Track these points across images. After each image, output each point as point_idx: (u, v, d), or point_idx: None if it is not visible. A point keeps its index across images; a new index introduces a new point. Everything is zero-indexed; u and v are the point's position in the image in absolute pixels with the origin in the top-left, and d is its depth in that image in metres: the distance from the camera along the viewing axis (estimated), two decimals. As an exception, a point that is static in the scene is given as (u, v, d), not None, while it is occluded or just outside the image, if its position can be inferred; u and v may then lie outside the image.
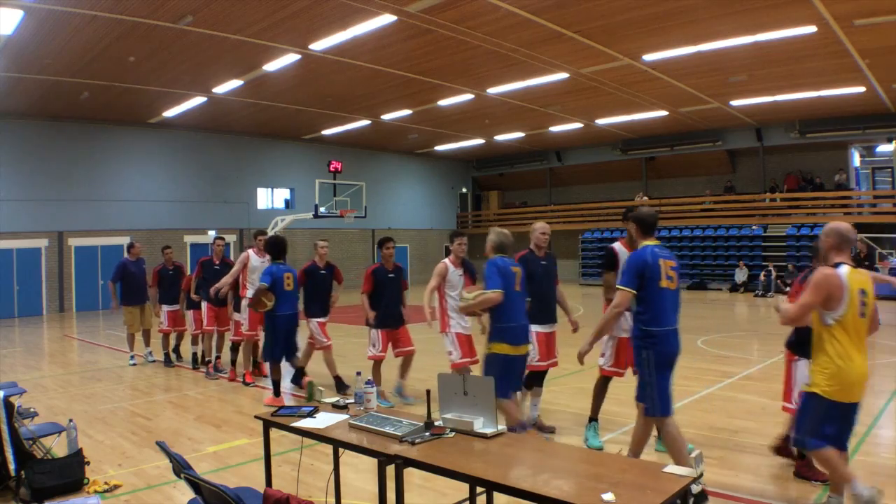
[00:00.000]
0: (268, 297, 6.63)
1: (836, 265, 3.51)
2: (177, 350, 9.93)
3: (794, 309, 3.55)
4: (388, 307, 6.88)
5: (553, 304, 5.82)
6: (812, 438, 3.53)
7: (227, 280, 7.98)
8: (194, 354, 9.47)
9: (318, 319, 7.50)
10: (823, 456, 3.53)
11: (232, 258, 9.54)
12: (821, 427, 3.50)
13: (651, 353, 4.05)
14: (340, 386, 7.31)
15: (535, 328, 5.44)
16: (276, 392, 6.88)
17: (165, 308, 9.57)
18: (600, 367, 5.31)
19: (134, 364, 9.61)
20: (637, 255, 4.11)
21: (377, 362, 6.89)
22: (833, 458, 3.49)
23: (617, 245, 5.32)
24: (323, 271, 7.54)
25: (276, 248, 6.98)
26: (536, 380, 5.78)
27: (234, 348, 8.48)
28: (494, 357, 4.66)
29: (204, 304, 8.71)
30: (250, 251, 8.12)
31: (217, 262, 8.82)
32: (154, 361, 9.78)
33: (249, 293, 7.64)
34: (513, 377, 4.76)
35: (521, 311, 4.80)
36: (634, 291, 4.04)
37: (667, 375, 4.08)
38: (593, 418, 5.35)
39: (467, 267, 6.33)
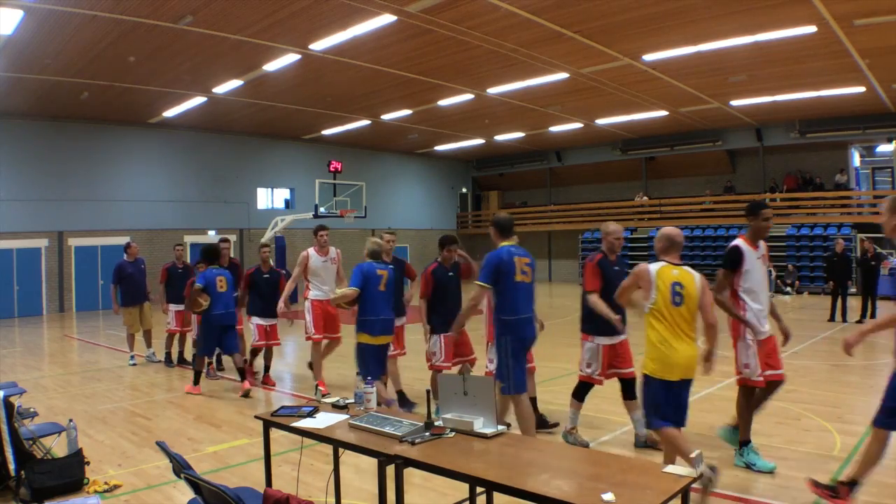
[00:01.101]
0: (203, 298, 7.43)
1: (656, 261, 4.15)
2: (181, 357, 9.63)
3: (620, 289, 4.35)
4: (452, 310, 5.97)
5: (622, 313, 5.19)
6: (654, 419, 4.00)
7: (290, 287, 7.65)
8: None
9: (175, 307, 9.14)
10: (665, 434, 3.95)
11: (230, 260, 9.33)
12: (659, 407, 3.97)
13: (508, 339, 4.70)
14: (404, 401, 6.66)
15: (600, 340, 5.27)
16: (196, 381, 7.70)
17: (173, 307, 9.38)
18: (746, 379, 4.65)
19: (134, 364, 9.61)
20: (494, 255, 4.74)
21: (437, 372, 5.99)
22: (674, 435, 3.92)
23: (739, 242, 4.71)
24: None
25: (210, 254, 7.95)
26: (627, 391, 5.28)
27: (255, 352, 8.31)
28: (358, 346, 5.61)
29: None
30: (310, 250, 7.59)
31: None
32: (158, 361, 9.74)
33: (313, 294, 7.47)
34: (377, 362, 5.63)
35: (382, 307, 5.66)
36: (490, 286, 4.69)
37: (521, 358, 4.76)
38: (745, 441, 4.70)
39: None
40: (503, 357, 4.73)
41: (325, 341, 7.54)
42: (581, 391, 5.35)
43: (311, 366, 7.63)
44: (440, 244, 6.27)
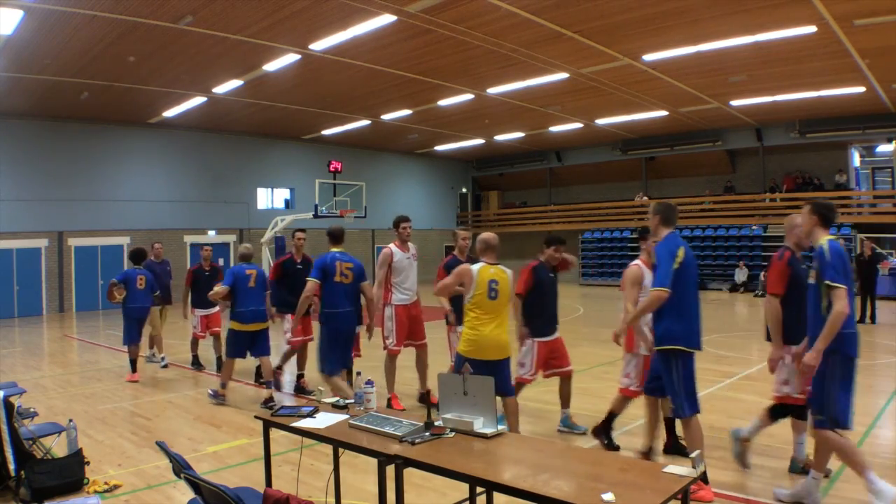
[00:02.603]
0: (118, 291, 8.42)
1: (475, 261, 4.93)
2: (219, 361, 8.87)
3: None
4: (549, 313, 5.74)
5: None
6: None
7: (377, 289, 6.68)
8: (300, 377, 8.06)
9: (201, 312, 8.95)
10: None
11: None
12: None
13: (325, 329, 5.83)
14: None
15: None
16: (133, 369, 8.37)
17: (199, 312, 8.91)
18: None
19: (166, 366, 9.32)
20: (321, 258, 5.94)
21: (520, 385, 5.64)
22: None
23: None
24: (207, 272, 8.84)
25: (136, 256, 8.85)
26: (797, 414, 4.56)
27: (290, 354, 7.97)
28: (229, 331, 6.97)
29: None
30: (392, 247, 6.79)
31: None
32: (166, 367, 9.34)
33: (396, 298, 6.61)
34: (240, 346, 6.95)
35: (251, 300, 6.91)
36: (319, 281, 5.83)
37: (336, 348, 5.77)
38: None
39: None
40: (324, 345, 5.86)
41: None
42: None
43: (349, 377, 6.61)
44: (547, 243, 5.79)
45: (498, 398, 4.07)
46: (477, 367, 4.52)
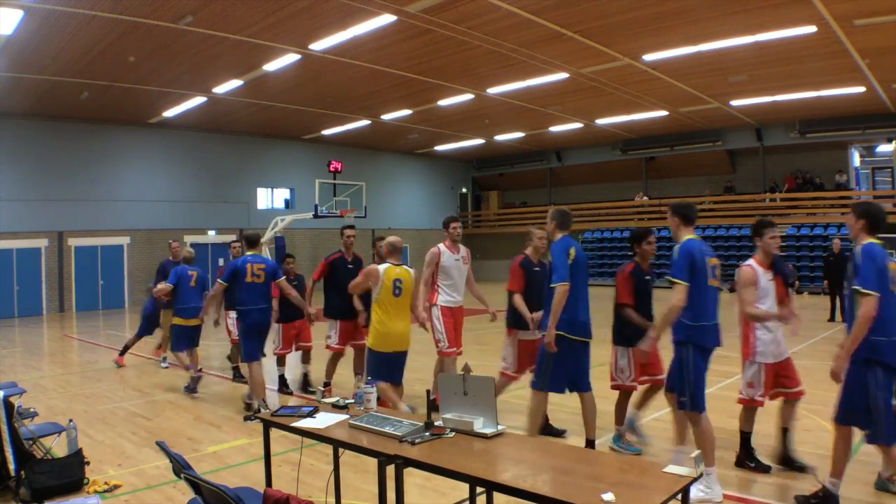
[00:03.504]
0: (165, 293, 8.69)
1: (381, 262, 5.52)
2: (305, 379, 7.94)
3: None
4: (646, 317, 5.21)
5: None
6: (375, 377, 5.17)
7: (423, 291, 6.37)
8: (305, 376, 7.78)
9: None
10: (380, 387, 5.03)
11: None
12: (379, 370, 5.37)
13: (242, 324, 6.52)
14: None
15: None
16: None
17: (234, 315, 7.72)
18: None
19: (167, 367, 9.20)
20: (233, 263, 6.59)
21: (625, 392, 5.37)
22: (385, 388, 5.28)
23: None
24: (350, 265, 7.53)
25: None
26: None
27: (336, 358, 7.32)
28: (172, 326, 7.94)
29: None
30: (441, 247, 6.43)
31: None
32: (167, 367, 9.16)
33: (442, 299, 6.29)
34: (185, 338, 7.83)
35: (192, 298, 7.82)
36: (226, 284, 6.44)
37: (252, 338, 6.45)
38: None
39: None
40: (241, 337, 6.57)
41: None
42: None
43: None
44: (636, 238, 5.29)
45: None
46: (385, 359, 5.30)
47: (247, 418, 6.34)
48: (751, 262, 4.70)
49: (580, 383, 4.91)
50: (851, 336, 3.69)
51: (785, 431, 4.70)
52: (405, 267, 5.48)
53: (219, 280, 6.56)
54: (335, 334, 7.08)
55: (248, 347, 6.45)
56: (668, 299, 4.16)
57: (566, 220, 4.99)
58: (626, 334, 5.15)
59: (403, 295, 5.39)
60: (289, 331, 7.59)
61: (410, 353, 7.08)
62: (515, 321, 5.72)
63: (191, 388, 7.55)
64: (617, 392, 5.32)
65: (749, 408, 4.72)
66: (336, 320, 7.09)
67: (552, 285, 4.69)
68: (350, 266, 7.10)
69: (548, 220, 5.00)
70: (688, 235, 4.37)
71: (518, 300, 5.61)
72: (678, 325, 4.22)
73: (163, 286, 7.95)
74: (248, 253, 6.64)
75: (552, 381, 4.81)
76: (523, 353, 5.72)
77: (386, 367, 5.42)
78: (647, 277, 5.29)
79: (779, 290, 4.70)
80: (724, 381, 7.68)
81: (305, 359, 7.80)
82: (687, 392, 4.15)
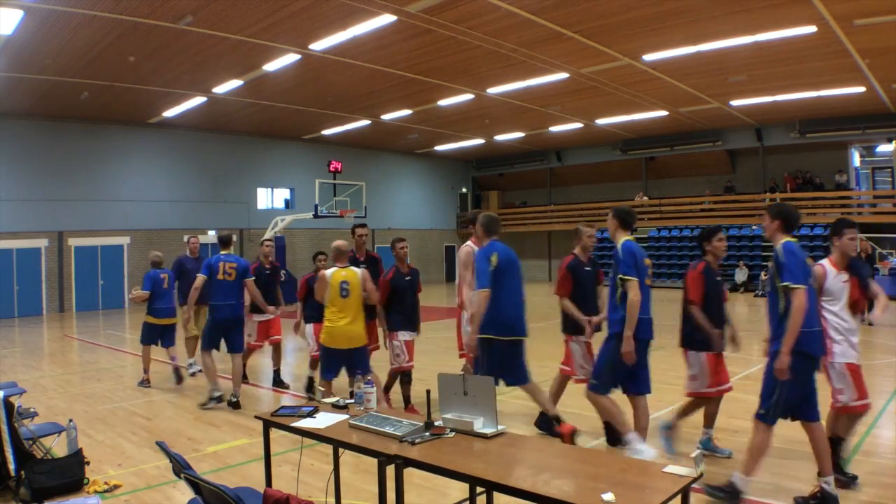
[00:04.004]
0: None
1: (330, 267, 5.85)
2: (277, 376, 8.06)
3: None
4: (718, 318, 4.98)
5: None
6: (325, 373, 5.82)
7: (467, 292, 5.99)
8: (310, 379, 7.39)
9: (258, 318, 8.18)
10: (325, 383, 5.82)
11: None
12: (329, 366, 5.82)
13: (211, 318, 6.94)
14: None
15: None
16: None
17: (256, 318, 7.81)
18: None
19: (193, 374, 8.42)
20: (209, 259, 7.02)
21: (700, 399, 5.05)
22: (327, 385, 5.83)
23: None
24: (267, 270, 8.24)
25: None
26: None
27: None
28: (144, 323, 8.24)
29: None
30: (471, 244, 6.13)
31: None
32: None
33: (470, 302, 5.80)
34: (155, 335, 8.18)
35: (164, 299, 8.17)
36: (206, 277, 6.85)
37: (217, 333, 6.91)
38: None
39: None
40: (206, 328, 7.08)
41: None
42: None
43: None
44: (706, 235, 5.04)
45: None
46: (333, 355, 5.73)
47: (203, 405, 6.91)
48: (824, 261, 4.46)
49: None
50: (789, 331, 3.79)
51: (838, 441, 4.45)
52: (352, 268, 5.85)
53: (200, 274, 7.01)
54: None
55: (209, 338, 6.98)
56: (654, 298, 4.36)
57: (495, 226, 5.35)
58: (697, 338, 4.85)
59: (351, 295, 5.71)
60: (263, 324, 8.06)
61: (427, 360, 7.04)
62: (571, 327, 5.52)
63: (179, 378, 8.10)
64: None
65: (850, 415, 4.45)
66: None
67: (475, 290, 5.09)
68: (363, 265, 6.72)
69: (477, 226, 5.44)
70: (625, 237, 4.72)
71: (567, 304, 5.51)
72: (616, 317, 4.60)
73: (138, 293, 8.23)
74: (223, 252, 7.06)
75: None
76: (592, 356, 5.38)
77: (340, 364, 5.85)
78: (719, 278, 4.99)
79: (853, 293, 4.39)
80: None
81: (276, 353, 8.20)
82: (603, 377, 4.70)
